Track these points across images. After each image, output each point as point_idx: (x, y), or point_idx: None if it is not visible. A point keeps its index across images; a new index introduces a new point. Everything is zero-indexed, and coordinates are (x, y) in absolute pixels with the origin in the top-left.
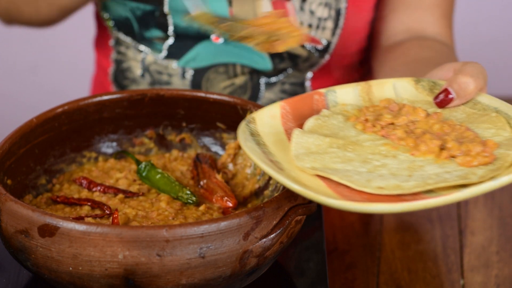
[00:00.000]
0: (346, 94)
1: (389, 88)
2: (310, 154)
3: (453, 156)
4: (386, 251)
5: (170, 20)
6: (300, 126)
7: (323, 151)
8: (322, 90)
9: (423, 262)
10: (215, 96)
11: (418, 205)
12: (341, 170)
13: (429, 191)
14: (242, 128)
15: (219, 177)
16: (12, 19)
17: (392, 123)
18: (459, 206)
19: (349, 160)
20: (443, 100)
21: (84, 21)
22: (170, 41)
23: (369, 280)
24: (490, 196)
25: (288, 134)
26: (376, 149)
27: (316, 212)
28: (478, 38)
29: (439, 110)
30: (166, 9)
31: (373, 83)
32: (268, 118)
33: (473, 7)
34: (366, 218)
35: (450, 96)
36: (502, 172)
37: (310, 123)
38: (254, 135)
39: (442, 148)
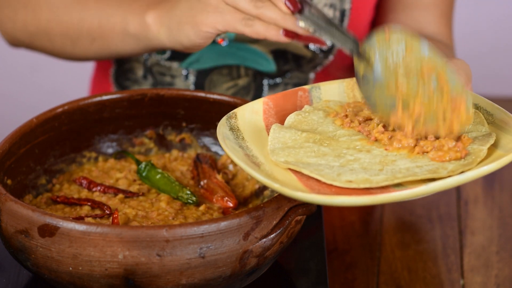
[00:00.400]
0: (331, 91)
1: None
2: (285, 149)
3: (426, 152)
4: (386, 251)
5: None
6: (282, 122)
7: (298, 146)
8: (307, 87)
9: (423, 262)
10: (215, 96)
11: (383, 198)
12: (313, 164)
13: (398, 184)
14: (221, 122)
15: (219, 177)
16: (34, 47)
17: (370, 119)
18: (459, 206)
19: (323, 154)
20: None
21: None
22: None
23: (369, 280)
24: (490, 196)
25: (269, 129)
26: (351, 144)
27: (316, 212)
28: (480, 41)
29: None
30: None
31: None
32: (249, 114)
33: (476, 11)
34: (366, 218)
35: None
36: (473, 167)
37: (290, 118)
38: (233, 129)
39: (415, 143)
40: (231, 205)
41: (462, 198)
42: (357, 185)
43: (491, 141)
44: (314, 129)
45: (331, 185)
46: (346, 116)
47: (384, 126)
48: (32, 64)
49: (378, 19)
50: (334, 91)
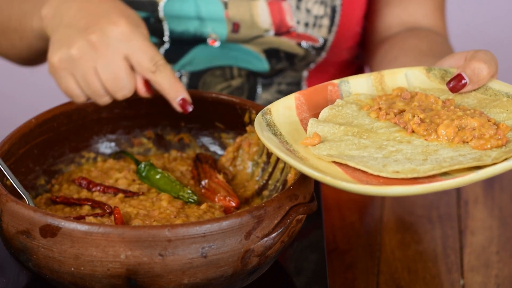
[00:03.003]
0: (360, 84)
1: (401, 77)
2: (325, 142)
3: (466, 141)
4: (386, 251)
5: (165, 26)
6: (315, 116)
7: (338, 139)
8: (336, 81)
9: (423, 262)
10: (213, 96)
11: (434, 187)
12: (357, 157)
13: (445, 173)
14: (258, 119)
15: (220, 177)
16: None
17: (404, 111)
18: (459, 206)
19: (365, 146)
20: (456, 85)
21: None
22: (166, 46)
23: (369, 280)
24: (490, 196)
25: (304, 124)
26: (390, 135)
27: (316, 212)
28: (481, 40)
29: (451, 96)
30: (161, 15)
31: (385, 72)
32: (283, 109)
33: (476, 9)
34: (366, 218)
35: (464, 81)
36: None
37: (324, 112)
38: (270, 125)
39: (455, 133)
40: (233, 204)
41: (462, 198)
42: (405, 175)
43: None
44: (351, 122)
45: (378, 176)
46: (380, 108)
47: (420, 118)
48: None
49: (372, 14)
50: (363, 85)
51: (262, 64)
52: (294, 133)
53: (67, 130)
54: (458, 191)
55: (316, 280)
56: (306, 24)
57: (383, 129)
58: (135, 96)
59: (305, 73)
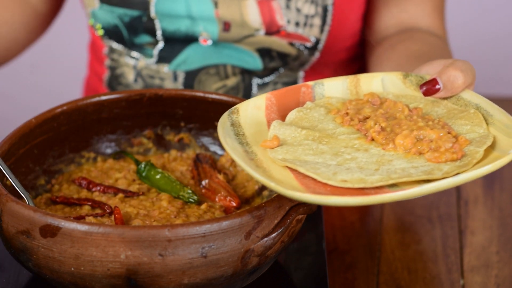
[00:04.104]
0: (334, 87)
1: (377, 82)
2: (284, 146)
3: (422, 153)
4: (386, 251)
5: (157, 25)
6: (284, 118)
7: (297, 143)
8: (310, 83)
9: (423, 262)
10: (213, 96)
11: (376, 199)
12: (310, 162)
13: (393, 185)
14: (223, 119)
15: (220, 177)
16: None
17: (369, 117)
18: (459, 206)
19: (321, 152)
20: (429, 89)
21: (82, 22)
22: (160, 45)
23: (369, 280)
24: (490, 196)
25: (270, 125)
26: (350, 142)
27: (316, 212)
28: (476, 37)
29: (421, 105)
30: (152, 13)
31: (362, 76)
32: (252, 109)
33: (471, 6)
34: (366, 218)
35: (437, 86)
36: (469, 168)
37: (292, 115)
38: (234, 125)
39: (413, 143)
40: (234, 204)
41: (462, 198)
42: (352, 185)
43: (488, 143)
44: (315, 126)
45: (326, 184)
46: (347, 113)
47: (381, 126)
48: (31, 64)
49: (370, 14)
50: (338, 88)
51: (256, 62)
52: (258, 134)
53: (67, 130)
54: (458, 191)
55: (316, 280)
56: (297, 24)
57: (344, 135)
58: (135, 96)
59: (301, 73)
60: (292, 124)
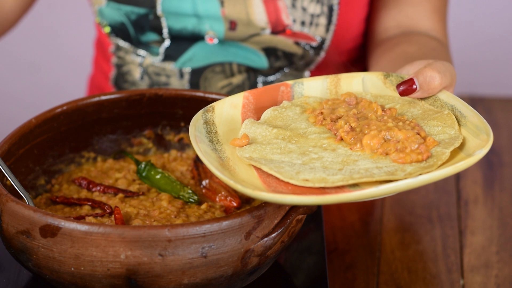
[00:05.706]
0: (314, 87)
1: (357, 82)
2: (252, 144)
3: (389, 154)
4: (386, 251)
5: (164, 23)
6: (260, 117)
7: (267, 142)
8: (290, 82)
9: (423, 262)
10: (213, 96)
11: (334, 198)
12: (275, 161)
13: (354, 185)
14: (196, 117)
15: None
16: None
17: (341, 117)
18: (459, 206)
19: (289, 151)
20: (405, 89)
21: (84, 20)
22: (167, 43)
23: (369, 280)
24: (490, 196)
25: None
26: (318, 142)
27: (316, 212)
28: (476, 38)
29: (398, 105)
30: (159, 11)
31: (343, 76)
32: (228, 107)
33: (470, 7)
34: (366, 218)
35: (414, 86)
36: (432, 170)
37: (267, 113)
38: (208, 123)
39: (380, 144)
40: (235, 204)
41: (462, 198)
42: (313, 184)
43: (456, 144)
44: (287, 126)
45: (288, 183)
46: (322, 113)
47: (351, 126)
48: (31, 63)
49: (370, 16)
50: (317, 87)
51: (261, 61)
52: (231, 132)
53: (67, 130)
54: (458, 191)
55: (316, 280)
56: (303, 23)
57: (315, 135)
58: (135, 96)
59: (306, 73)
60: (265, 123)
